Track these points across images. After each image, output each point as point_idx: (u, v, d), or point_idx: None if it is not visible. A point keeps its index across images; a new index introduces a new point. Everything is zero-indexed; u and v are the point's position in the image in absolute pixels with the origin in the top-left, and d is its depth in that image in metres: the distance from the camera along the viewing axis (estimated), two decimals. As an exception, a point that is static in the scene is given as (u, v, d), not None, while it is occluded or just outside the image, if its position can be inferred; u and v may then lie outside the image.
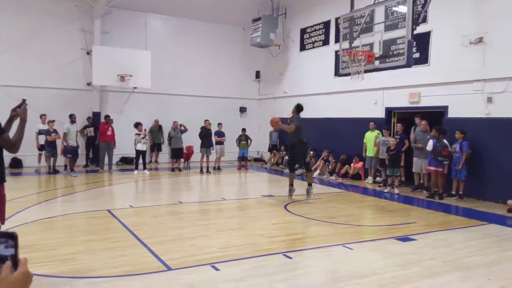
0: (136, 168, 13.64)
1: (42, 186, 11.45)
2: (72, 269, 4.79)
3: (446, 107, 10.85)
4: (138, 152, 13.60)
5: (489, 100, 9.86)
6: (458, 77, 10.42)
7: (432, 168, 10.21)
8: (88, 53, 15.12)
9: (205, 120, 14.44)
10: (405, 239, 6.36)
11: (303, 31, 16.29)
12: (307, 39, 16.08)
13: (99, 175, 13.22)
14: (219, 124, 14.97)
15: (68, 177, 12.42)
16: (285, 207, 8.68)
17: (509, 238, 6.74)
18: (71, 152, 12.91)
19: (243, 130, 15.80)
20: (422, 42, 11.02)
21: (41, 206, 8.37)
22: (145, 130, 14.11)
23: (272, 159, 16.88)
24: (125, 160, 15.83)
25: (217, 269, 4.83)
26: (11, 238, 1.20)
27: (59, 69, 14.96)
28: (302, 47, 16.38)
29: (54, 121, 13.33)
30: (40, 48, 14.57)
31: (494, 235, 6.82)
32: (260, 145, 18.09)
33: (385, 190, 11.06)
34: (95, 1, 14.80)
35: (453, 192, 10.07)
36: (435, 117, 11.13)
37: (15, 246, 1.20)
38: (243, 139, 15.60)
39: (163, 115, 16.37)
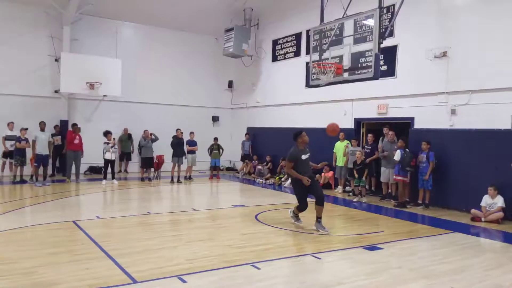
0: (105, 177, 13.34)
1: (5, 196, 11.02)
2: (33, 283, 4.62)
3: (412, 119, 11.15)
4: (107, 161, 13.32)
5: (453, 112, 10.20)
6: (424, 89, 10.77)
7: (399, 177, 10.46)
8: (56, 60, 14.78)
9: (177, 129, 14.32)
10: (372, 248, 6.45)
11: (275, 42, 16.47)
12: (279, 50, 16.25)
13: (66, 184, 12.86)
14: (191, 133, 14.87)
15: (34, 187, 12.03)
16: (255, 217, 8.67)
17: (472, 246, 6.93)
18: (38, 161, 12.53)
19: (215, 139, 15.75)
20: (389, 55, 11.33)
21: (2, 217, 8.06)
22: (114, 139, 13.84)
23: (245, 169, 16.88)
24: (93, 170, 15.49)
25: (184, 281, 4.75)
26: None
27: (26, 76, 14.57)
28: (274, 58, 16.54)
29: (27, 129, 12.96)
30: (6, 54, 14.17)
31: (458, 243, 7.00)
32: (232, 154, 18.07)
33: (354, 200, 11.23)
34: (65, 7, 14.51)
35: (420, 201, 10.32)
36: (402, 128, 11.41)
37: None
38: (215, 148, 15.54)
39: (133, 124, 16.15)
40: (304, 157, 7.58)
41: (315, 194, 7.55)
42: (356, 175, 11.25)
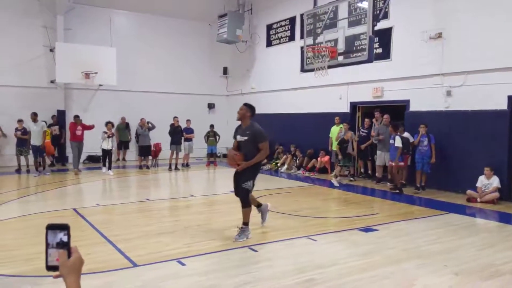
0: (104, 165, 13.38)
1: (4, 186, 11.09)
2: (36, 268, 4.70)
3: (408, 101, 11.18)
4: (104, 152, 13.28)
5: (448, 93, 10.22)
6: (419, 71, 10.76)
7: (401, 163, 10.20)
8: (51, 50, 14.73)
9: (174, 117, 14.35)
10: (367, 229, 6.55)
11: (269, 27, 16.38)
12: (273, 35, 16.18)
13: (65, 174, 12.95)
14: (188, 120, 14.91)
15: (32, 177, 12.12)
16: (253, 202, 8.74)
17: (467, 227, 7.02)
18: (33, 152, 12.61)
19: (211, 126, 15.79)
20: (384, 38, 11.31)
21: (2, 207, 8.14)
22: (111, 129, 13.70)
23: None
24: (91, 159, 15.54)
25: (183, 264, 4.86)
26: (66, 228, 1.44)
27: (21, 67, 14.54)
28: (269, 43, 16.47)
29: (22, 120, 13.00)
30: (1, 45, 14.11)
31: (453, 224, 7.09)
32: (228, 141, 17.90)
33: (335, 182, 11.23)
34: (57, -4, 14.43)
35: (417, 184, 10.35)
36: (398, 111, 11.45)
37: (68, 236, 1.43)
38: (211, 136, 15.59)
39: (130, 113, 16.14)
40: (239, 138, 6.02)
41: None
42: (339, 154, 11.36)
